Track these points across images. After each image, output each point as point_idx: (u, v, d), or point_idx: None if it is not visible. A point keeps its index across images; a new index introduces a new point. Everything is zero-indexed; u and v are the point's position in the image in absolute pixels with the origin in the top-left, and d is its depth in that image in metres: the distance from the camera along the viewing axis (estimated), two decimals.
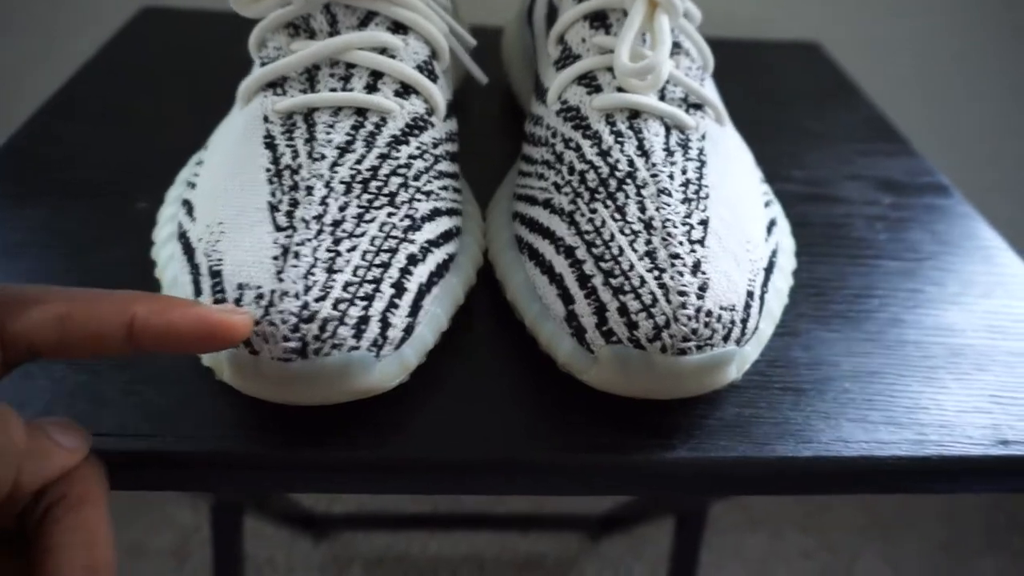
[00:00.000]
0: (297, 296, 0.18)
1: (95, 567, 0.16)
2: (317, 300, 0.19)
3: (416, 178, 0.22)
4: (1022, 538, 0.87)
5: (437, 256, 0.22)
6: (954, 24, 0.54)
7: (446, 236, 0.23)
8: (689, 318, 0.19)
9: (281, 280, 0.19)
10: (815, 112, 0.40)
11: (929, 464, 0.22)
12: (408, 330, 0.20)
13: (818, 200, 0.33)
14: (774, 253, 0.24)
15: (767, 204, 0.25)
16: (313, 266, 0.19)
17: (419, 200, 0.22)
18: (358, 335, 0.19)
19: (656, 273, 0.20)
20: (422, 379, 0.23)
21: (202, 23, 0.44)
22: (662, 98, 0.24)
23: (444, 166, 0.24)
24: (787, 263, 0.26)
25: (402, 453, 0.21)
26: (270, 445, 0.21)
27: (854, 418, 0.23)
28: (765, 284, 0.22)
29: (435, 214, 0.23)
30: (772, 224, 0.25)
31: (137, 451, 0.21)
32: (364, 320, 0.19)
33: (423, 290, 0.21)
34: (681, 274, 0.20)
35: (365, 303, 0.19)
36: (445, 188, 0.24)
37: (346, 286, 0.19)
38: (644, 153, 0.23)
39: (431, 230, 0.22)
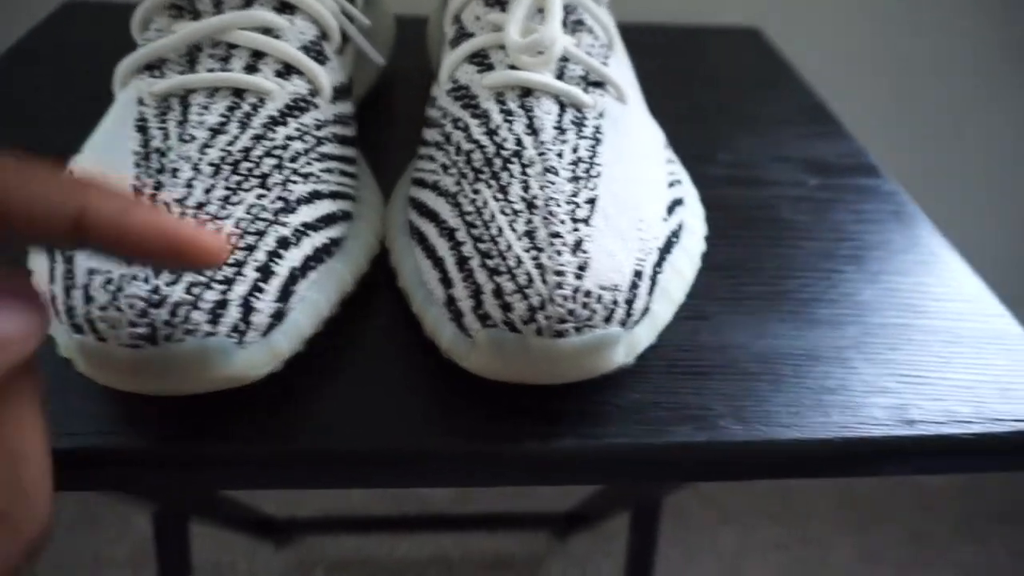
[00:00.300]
0: (146, 280, 0.18)
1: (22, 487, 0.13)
2: (168, 284, 0.18)
3: (293, 159, 0.22)
4: (998, 527, 0.87)
5: (315, 240, 0.21)
6: (897, 9, 0.53)
7: (328, 220, 0.22)
8: (566, 298, 0.18)
9: (131, 264, 0.18)
10: (752, 97, 0.39)
11: (831, 447, 0.22)
12: (277, 316, 0.20)
13: (741, 183, 0.32)
14: (675, 233, 0.23)
15: (672, 184, 0.25)
16: None
17: (295, 182, 0.21)
18: (214, 320, 0.18)
19: (533, 253, 0.19)
20: (307, 368, 0.22)
21: (124, 18, 0.43)
22: (560, 76, 0.24)
23: (329, 149, 0.23)
24: (694, 245, 0.25)
25: (283, 445, 0.20)
26: (144, 438, 0.20)
27: (756, 400, 0.22)
28: (659, 264, 0.22)
29: (315, 197, 0.22)
30: (676, 204, 0.24)
31: None
32: (222, 304, 0.18)
33: (296, 275, 0.20)
34: (559, 253, 0.19)
35: (223, 287, 0.18)
36: (329, 171, 0.23)
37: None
38: (533, 131, 0.22)
39: (309, 213, 0.21)
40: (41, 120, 0.33)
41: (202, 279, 0.18)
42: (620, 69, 0.26)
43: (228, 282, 0.18)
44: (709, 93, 0.40)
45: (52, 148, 0.31)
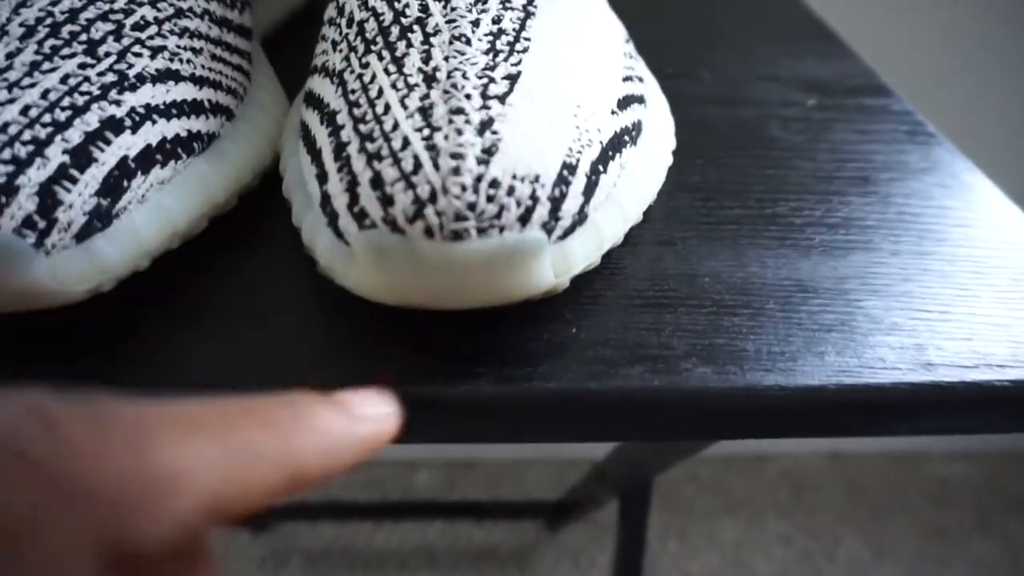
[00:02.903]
0: None
1: None
2: None
3: (139, 28, 0.17)
4: (1015, 521, 0.81)
5: (165, 129, 0.17)
6: None
7: (189, 108, 0.18)
8: (464, 188, 0.14)
9: None
10: (738, 15, 0.34)
11: (826, 396, 0.17)
12: (101, 216, 0.15)
13: (725, 102, 0.27)
14: (627, 132, 0.18)
15: (628, 79, 0.20)
16: None
17: (139, 55, 0.17)
18: None
19: (427, 132, 0.14)
20: (161, 295, 0.18)
21: None
22: None
23: (197, 25, 0.19)
24: (656, 153, 0.20)
25: (118, 388, 0.16)
26: None
27: (730, 338, 0.18)
28: (602, 162, 0.17)
29: (168, 76, 0.17)
30: (632, 100, 0.19)
31: None
32: (8, 190, 0.14)
33: (130, 167, 0.16)
34: (460, 132, 0.14)
35: (11, 168, 0.14)
36: (195, 51, 0.18)
37: None
38: None
39: (157, 95, 0.17)
40: None
41: None
42: None
43: (18, 163, 0.14)
44: (689, 7, 0.35)
45: None
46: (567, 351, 0.17)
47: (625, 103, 0.19)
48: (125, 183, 0.16)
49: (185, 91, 0.18)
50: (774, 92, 0.28)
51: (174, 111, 0.17)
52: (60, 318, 0.16)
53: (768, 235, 0.21)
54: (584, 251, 0.16)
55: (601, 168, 0.17)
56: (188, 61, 0.18)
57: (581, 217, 0.16)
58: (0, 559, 0.08)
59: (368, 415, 0.13)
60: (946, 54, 0.54)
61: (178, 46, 0.18)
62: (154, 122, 0.16)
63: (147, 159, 0.16)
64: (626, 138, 0.18)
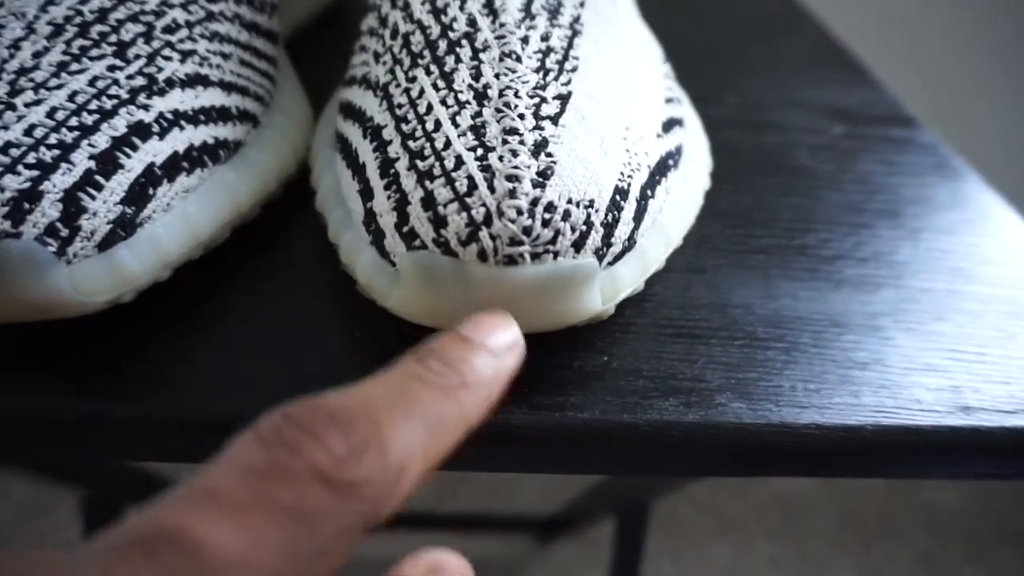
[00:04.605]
0: None
1: None
2: None
3: (169, 31, 0.17)
4: (1006, 550, 0.81)
5: (192, 136, 0.16)
6: None
7: (216, 115, 0.17)
8: (520, 211, 0.13)
9: None
10: (761, 40, 0.34)
11: (862, 437, 0.16)
12: (125, 225, 0.15)
13: (752, 127, 0.27)
14: (671, 155, 0.18)
15: (670, 101, 0.20)
16: None
17: (169, 58, 0.16)
18: (18, 217, 0.13)
19: (480, 152, 0.14)
20: (179, 308, 0.17)
21: None
22: None
23: (228, 29, 0.18)
24: (696, 177, 0.20)
25: (141, 406, 0.15)
26: None
27: (765, 373, 0.17)
28: (651, 187, 0.16)
29: (197, 82, 0.17)
30: (674, 123, 0.19)
31: None
32: (32, 197, 0.13)
33: (156, 174, 0.15)
34: (515, 153, 0.14)
35: (36, 172, 0.13)
36: (224, 56, 0.18)
37: (7, 147, 0.13)
38: (492, 12, 0.17)
39: (185, 100, 0.16)
40: None
41: (2, 159, 0.13)
42: None
43: (43, 168, 0.13)
44: (715, 33, 0.34)
45: None
46: (599, 380, 0.16)
47: (668, 126, 0.18)
48: (150, 191, 0.15)
49: (214, 97, 0.17)
50: (799, 118, 0.28)
51: (202, 117, 0.17)
52: (77, 327, 0.16)
53: (798, 266, 0.21)
54: (631, 277, 0.16)
55: (649, 193, 0.16)
56: (217, 66, 0.17)
57: (631, 243, 0.16)
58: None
59: (505, 345, 0.13)
60: (966, 76, 0.54)
61: (208, 50, 0.17)
62: (182, 128, 0.16)
63: (174, 166, 0.16)
64: (670, 162, 0.18)
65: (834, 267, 0.21)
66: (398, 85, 0.16)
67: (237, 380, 0.16)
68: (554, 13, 0.18)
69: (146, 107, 0.15)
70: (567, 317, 0.15)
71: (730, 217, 0.22)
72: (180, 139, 0.16)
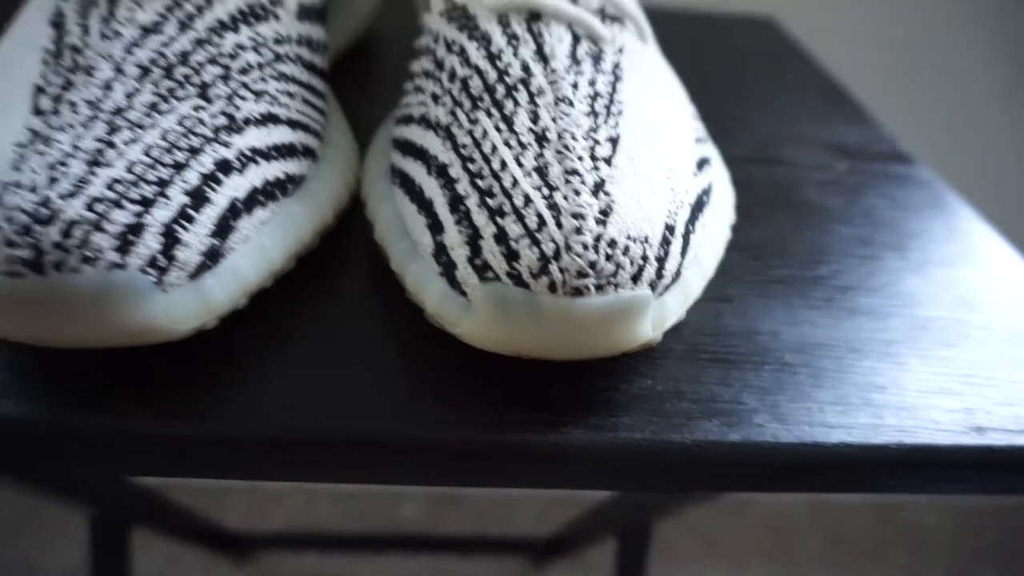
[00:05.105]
0: (35, 189, 0.13)
1: None
2: (64, 196, 0.13)
3: (244, 72, 0.18)
4: (989, 570, 0.83)
5: (267, 171, 0.17)
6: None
7: (286, 151, 0.18)
8: (586, 247, 0.15)
9: (18, 170, 0.14)
10: (765, 80, 0.36)
11: (887, 453, 0.18)
12: (211, 255, 0.15)
13: (763, 163, 0.28)
14: (705, 192, 0.19)
15: (699, 140, 0.21)
16: (70, 156, 0.14)
17: (245, 98, 0.17)
18: (124, 248, 0.14)
19: (545, 191, 0.15)
20: (251, 332, 0.18)
21: None
22: (573, 2, 0.20)
23: (291, 70, 0.19)
24: (724, 212, 0.21)
25: (216, 425, 0.16)
26: (24, 408, 0.16)
27: (795, 396, 0.19)
28: (691, 223, 0.18)
29: (269, 120, 0.18)
30: (705, 162, 0.20)
31: None
32: (135, 229, 0.14)
33: (238, 207, 0.16)
34: (578, 193, 0.15)
35: (139, 207, 0.14)
36: (291, 96, 0.19)
37: (112, 183, 0.14)
38: (543, 58, 0.18)
39: (260, 137, 0.17)
40: None
41: (109, 194, 0.14)
42: (637, 6, 0.23)
43: (145, 203, 0.14)
44: (723, 76, 0.36)
45: None
46: (646, 403, 0.18)
47: (701, 164, 0.20)
48: (233, 223, 0.16)
49: (283, 134, 0.18)
50: (806, 155, 0.29)
51: (274, 153, 0.18)
52: (156, 349, 0.17)
53: (815, 296, 0.22)
54: (676, 307, 0.17)
55: (691, 228, 0.17)
56: (285, 105, 0.19)
57: (677, 275, 0.17)
58: None
59: None
60: (956, 111, 0.57)
61: (277, 90, 0.18)
62: (258, 164, 0.17)
63: (252, 200, 0.17)
64: (704, 198, 0.19)
65: (848, 297, 0.22)
66: (461, 126, 0.17)
67: (301, 400, 0.17)
68: (596, 59, 0.19)
69: (227, 144, 0.16)
70: (622, 344, 0.16)
71: (751, 249, 0.23)
72: (257, 174, 0.17)
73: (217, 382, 0.17)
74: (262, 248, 0.17)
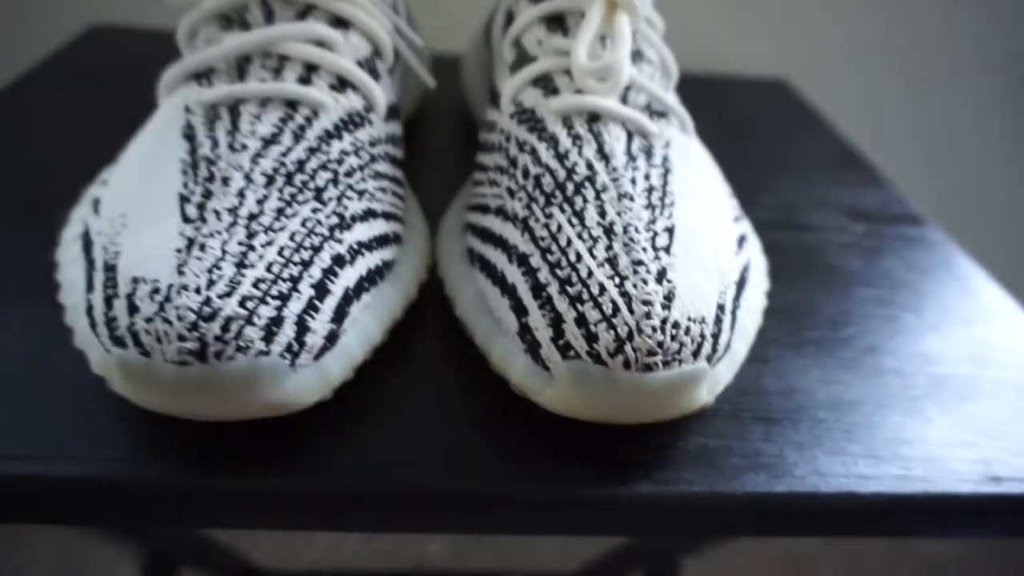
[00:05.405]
0: (198, 291, 0.16)
1: None
2: (221, 296, 0.16)
3: (348, 174, 0.20)
4: None
5: (369, 261, 0.20)
6: (928, 61, 0.54)
7: (381, 241, 0.21)
8: (655, 329, 0.17)
9: (181, 274, 0.16)
10: (782, 143, 0.39)
11: (915, 502, 0.20)
12: (331, 338, 0.18)
13: (788, 227, 0.31)
14: (746, 268, 0.22)
15: (737, 219, 0.24)
16: (221, 260, 0.17)
17: (350, 198, 0.20)
18: (268, 338, 0.16)
19: (617, 280, 0.18)
20: (353, 400, 0.20)
21: (152, 43, 0.42)
22: (624, 103, 0.23)
23: (383, 167, 0.22)
24: (760, 282, 0.24)
25: (327, 483, 0.18)
26: (175, 470, 0.18)
27: (831, 450, 0.21)
28: (737, 299, 0.20)
29: (369, 215, 0.20)
30: (743, 239, 0.23)
31: (16, 476, 0.18)
32: (277, 321, 0.17)
33: (350, 295, 0.19)
34: (645, 282, 0.18)
35: (279, 302, 0.17)
36: (383, 190, 0.22)
37: (257, 282, 0.17)
38: (604, 157, 0.21)
39: (363, 231, 0.20)
40: (65, 142, 0.32)
41: (256, 292, 0.17)
42: (678, 101, 0.25)
43: (283, 298, 0.17)
44: (742, 139, 0.39)
45: (75, 170, 0.30)
46: (702, 459, 0.20)
47: (740, 242, 0.22)
48: (346, 309, 0.19)
49: (380, 227, 0.21)
50: (827, 219, 0.32)
51: (374, 244, 0.20)
52: (283, 422, 0.19)
53: (843, 355, 0.24)
54: (727, 374, 0.20)
55: (737, 304, 0.20)
56: (380, 200, 0.21)
57: (727, 347, 0.19)
58: None
59: None
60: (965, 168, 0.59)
61: (374, 188, 0.21)
62: (363, 256, 0.20)
63: (359, 288, 0.19)
64: (746, 274, 0.22)
65: (873, 357, 0.25)
66: (537, 220, 0.20)
67: (402, 459, 0.19)
68: (648, 154, 0.22)
69: (340, 241, 0.19)
70: (682, 409, 0.18)
71: (783, 312, 0.26)
72: (363, 265, 0.19)
73: (326, 444, 0.19)
74: (365, 328, 0.19)
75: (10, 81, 0.36)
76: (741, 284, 0.21)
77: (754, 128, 0.41)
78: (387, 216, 0.22)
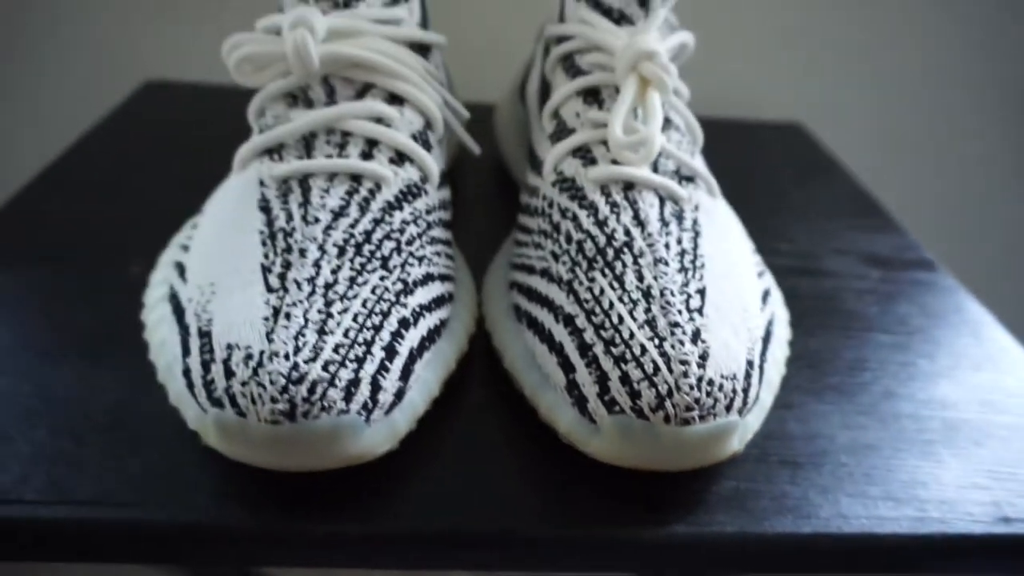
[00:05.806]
0: (287, 357, 0.18)
1: None
2: (307, 361, 0.18)
3: (409, 243, 0.23)
4: None
5: (429, 321, 0.22)
6: (937, 101, 0.56)
7: (438, 301, 0.23)
8: (691, 387, 0.19)
9: (271, 341, 0.18)
10: (798, 188, 0.41)
11: (932, 542, 0.22)
12: (399, 395, 0.20)
13: (807, 273, 0.33)
14: (770, 323, 0.24)
15: (760, 274, 0.26)
16: (304, 327, 0.19)
17: (412, 265, 0.22)
18: (348, 398, 0.18)
19: (656, 342, 0.20)
20: (413, 448, 0.22)
21: (204, 97, 0.45)
22: (655, 170, 0.25)
23: (437, 232, 0.24)
24: (783, 333, 0.26)
25: (392, 525, 0.20)
26: (255, 515, 0.20)
27: (852, 493, 0.23)
28: (764, 353, 0.22)
29: (428, 279, 0.23)
30: (767, 294, 0.25)
31: (115, 520, 0.20)
32: (354, 383, 0.19)
33: (414, 354, 0.21)
34: (682, 343, 0.20)
35: (356, 365, 0.19)
36: (438, 254, 0.24)
37: (337, 348, 0.19)
38: (640, 223, 0.23)
39: (423, 295, 0.22)
40: (124, 197, 0.35)
41: (336, 357, 0.19)
42: (704, 165, 0.28)
43: (359, 361, 0.19)
44: (757, 185, 0.41)
45: (135, 225, 0.32)
46: (734, 501, 0.22)
47: (764, 297, 0.24)
48: (411, 368, 0.21)
49: (438, 289, 0.23)
50: (844, 265, 0.34)
51: (433, 306, 0.22)
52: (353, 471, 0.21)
53: (862, 400, 0.26)
54: (755, 423, 0.22)
55: (764, 359, 0.22)
56: (436, 263, 0.23)
57: (756, 399, 0.21)
58: None
59: None
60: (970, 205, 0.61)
61: (431, 252, 0.23)
62: (424, 317, 0.22)
63: (421, 347, 0.21)
64: (770, 328, 0.24)
65: (890, 402, 0.26)
66: (581, 283, 0.22)
67: (452, 503, 0.21)
68: (680, 218, 0.24)
69: (405, 305, 0.21)
70: (716, 457, 0.20)
71: (804, 359, 0.28)
72: (424, 326, 0.22)
73: (391, 490, 0.21)
74: (427, 383, 0.22)
75: (77, 137, 0.39)
76: (767, 339, 0.23)
77: (770, 173, 0.43)
78: (442, 278, 0.24)
